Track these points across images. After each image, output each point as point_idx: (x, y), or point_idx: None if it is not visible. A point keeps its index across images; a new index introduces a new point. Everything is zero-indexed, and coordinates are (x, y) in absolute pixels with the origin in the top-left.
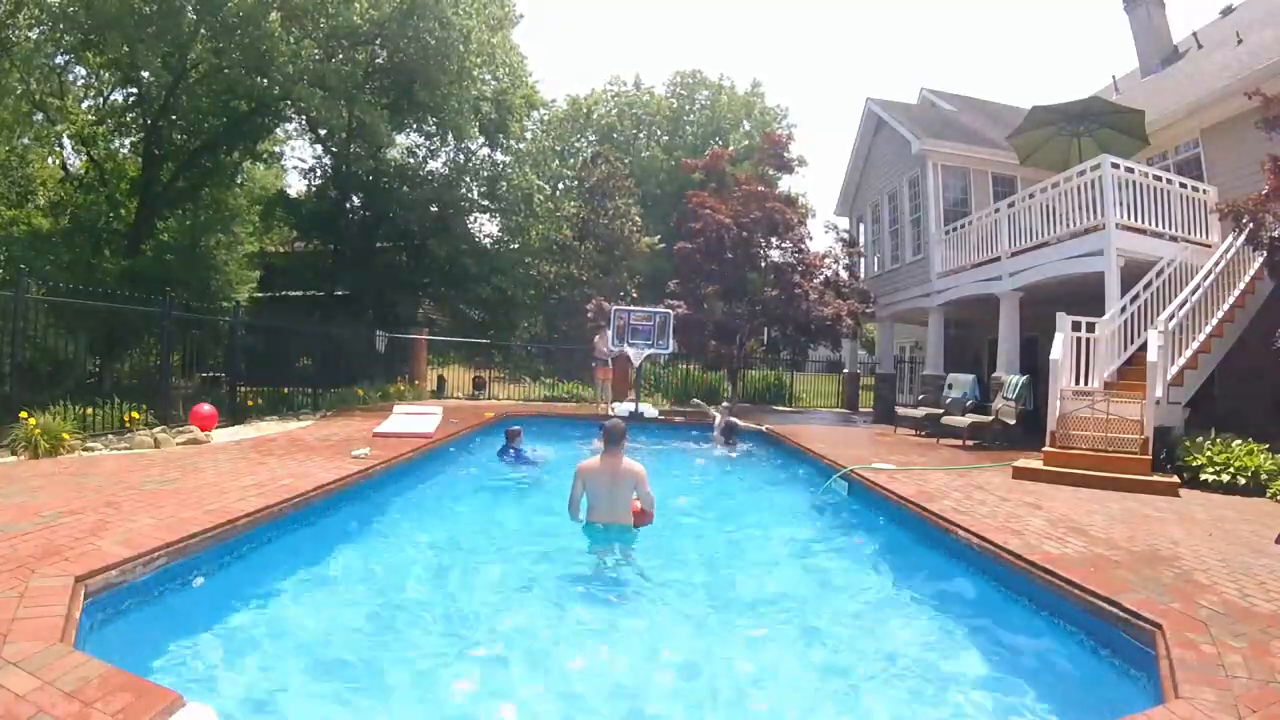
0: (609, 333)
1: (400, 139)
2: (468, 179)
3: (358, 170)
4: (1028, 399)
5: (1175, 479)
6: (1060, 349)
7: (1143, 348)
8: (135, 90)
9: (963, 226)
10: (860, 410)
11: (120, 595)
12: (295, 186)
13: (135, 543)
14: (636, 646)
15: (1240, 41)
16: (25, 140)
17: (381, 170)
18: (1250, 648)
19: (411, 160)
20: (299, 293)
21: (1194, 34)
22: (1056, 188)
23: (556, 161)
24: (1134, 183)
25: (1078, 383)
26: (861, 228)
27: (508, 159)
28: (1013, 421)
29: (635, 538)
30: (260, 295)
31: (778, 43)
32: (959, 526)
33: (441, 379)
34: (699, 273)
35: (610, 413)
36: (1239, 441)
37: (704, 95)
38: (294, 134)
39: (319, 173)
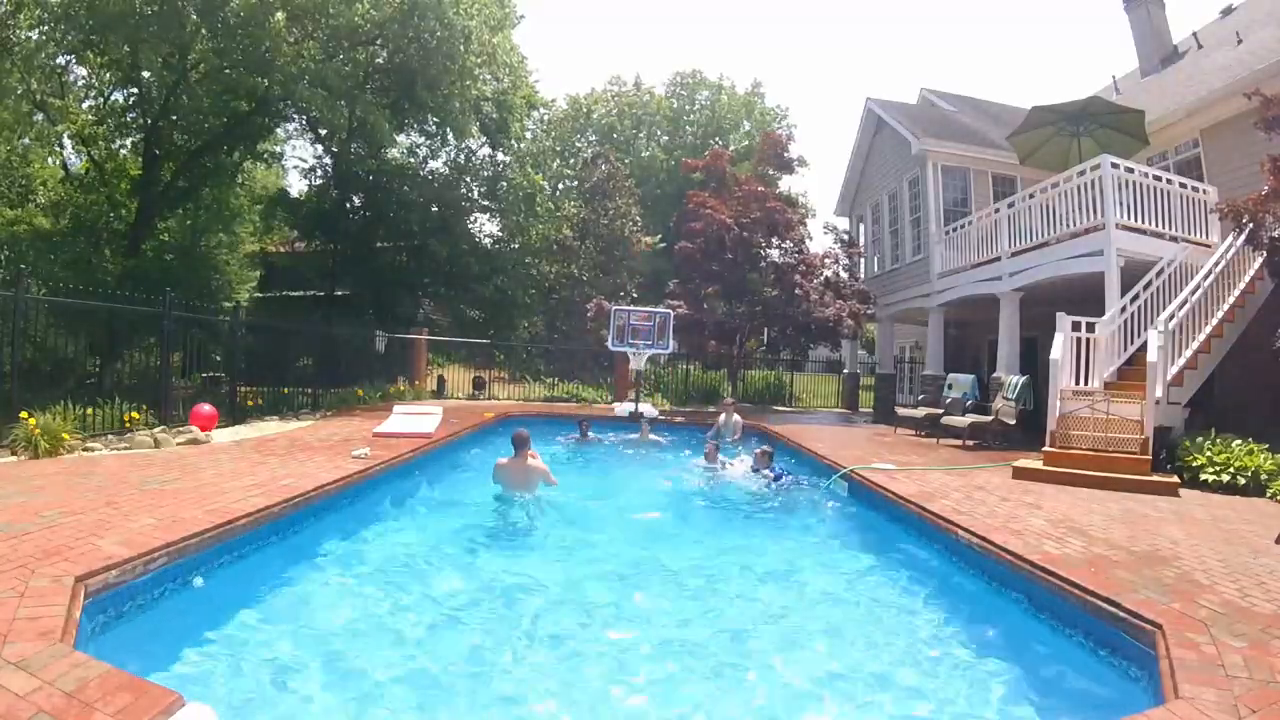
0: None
1: (401, 139)
2: (468, 179)
3: (358, 170)
4: (1028, 399)
5: (1175, 479)
6: (1060, 349)
7: (1143, 348)
8: (136, 90)
9: (963, 226)
10: (860, 410)
11: (120, 595)
12: (296, 186)
13: (135, 543)
14: None
15: (1240, 41)
16: (26, 140)
17: (382, 170)
18: (1250, 648)
19: (412, 160)
20: (299, 293)
21: (1194, 34)
22: (1056, 188)
23: (557, 161)
24: (1134, 183)
25: (1078, 383)
26: (861, 228)
27: (508, 159)
28: (1012, 422)
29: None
30: (261, 295)
31: (778, 43)
32: (959, 527)
33: (441, 379)
34: (699, 273)
35: (613, 413)
36: (1239, 441)
37: (704, 95)
38: (294, 134)
39: (319, 173)
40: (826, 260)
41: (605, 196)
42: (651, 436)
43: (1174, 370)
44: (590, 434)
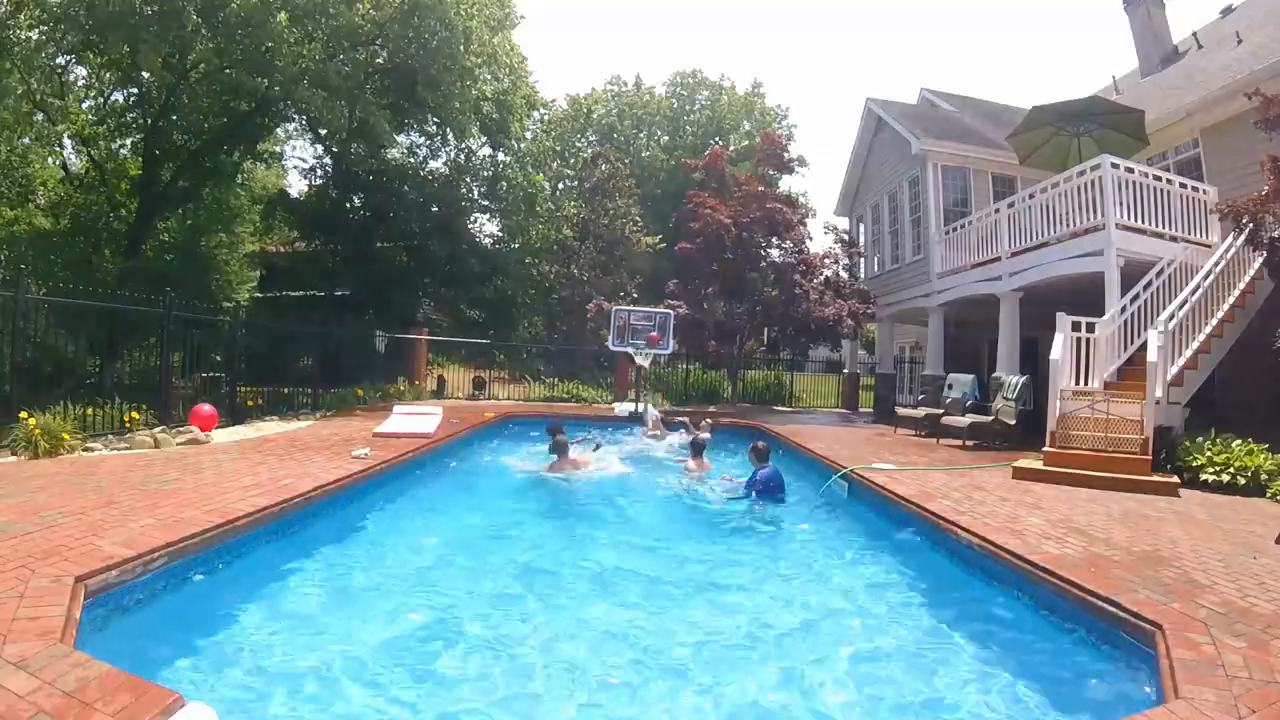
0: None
1: (401, 139)
2: (468, 179)
3: (358, 170)
4: (1028, 399)
5: (1175, 479)
6: (1060, 349)
7: (1143, 348)
8: (136, 90)
9: (963, 226)
10: (860, 410)
11: (120, 595)
12: (296, 186)
13: (135, 543)
14: None
15: (1240, 42)
16: (26, 140)
17: (382, 170)
18: (1250, 648)
19: (412, 160)
20: (299, 293)
21: (1194, 34)
22: (1056, 188)
23: (557, 161)
24: (1134, 183)
25: (1078, 383)
26: (861, 228)
27: (508, 159)
28: (1012, 422)
29: None
30: (261, 295)
31: (778, 43)
32: (958, 526)
33: (441, 379)
34: (699, 273)
35: (613, 412)
36: (1239, 441)
37: (704, 95)
38: (294, 134)
39: (320, 173)
40: (826, 260)
41: (605, 196)
42: (662, 438)
43: (1174, 370)
44: (597, 452)
